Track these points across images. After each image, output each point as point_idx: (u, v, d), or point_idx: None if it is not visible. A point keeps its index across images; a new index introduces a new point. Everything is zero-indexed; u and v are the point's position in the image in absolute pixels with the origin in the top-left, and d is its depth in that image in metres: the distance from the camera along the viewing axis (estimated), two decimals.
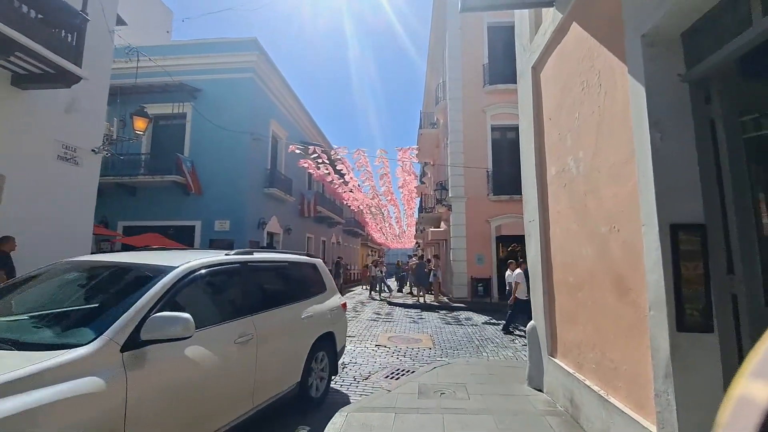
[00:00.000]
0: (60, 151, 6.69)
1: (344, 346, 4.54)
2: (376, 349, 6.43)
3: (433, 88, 17.64)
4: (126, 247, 10.48)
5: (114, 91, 13.48)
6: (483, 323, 9.07)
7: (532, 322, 4.22)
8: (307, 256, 4.42)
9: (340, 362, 4.56)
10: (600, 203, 2.78)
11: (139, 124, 7.75)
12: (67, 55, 5.73)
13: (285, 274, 3.93)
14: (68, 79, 5.90)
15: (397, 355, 6.07)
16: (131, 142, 8.51)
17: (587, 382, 2.97)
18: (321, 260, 4.60)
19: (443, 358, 5.88)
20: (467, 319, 9.74)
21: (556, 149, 3.60)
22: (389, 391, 4.15)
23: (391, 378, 4.89)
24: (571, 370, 3.28)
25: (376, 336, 7.43)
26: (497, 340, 7.26)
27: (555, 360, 3.64)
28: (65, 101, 6.68)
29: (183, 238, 13.65)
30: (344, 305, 4.60)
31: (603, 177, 2.74)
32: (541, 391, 3.92)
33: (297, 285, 3.95)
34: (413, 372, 5.09)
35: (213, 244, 13.70)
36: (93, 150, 7.24)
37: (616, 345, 2.61)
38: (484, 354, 6.25)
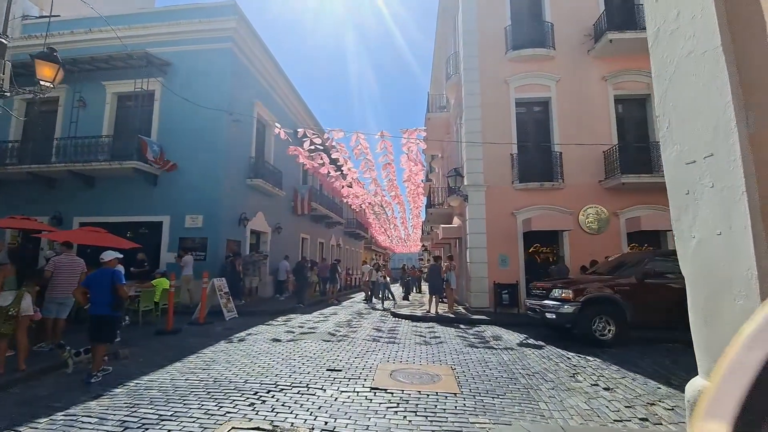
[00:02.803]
0: None
1: None
2: (371, 395, 4.13)
3: (443, 64, 15.40)
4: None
5: (69, 70, 11.51)
6: (519, 345, 6.72)
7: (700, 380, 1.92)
8: None
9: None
10: None
11: (45, 71, 5.58)
12: None
13: None
14: None
15: (404, 409, 3.77)
16: (42, 97, 6.35)
17: None
18: None
19: (480, 417, 3.58)
20: (495, 338, 7.40)
21: None
22: None
23: None
24: None
25: (372, 369, 5.12)
26: (550, 375, 4.94)
27: None
28: None
29: (149, 237, 11.50)
30: None
31: None
32: None
33: None
34: None
35: (183, 243, 11.51)
36: None
37: None
38: (543, 404, 3.93)
